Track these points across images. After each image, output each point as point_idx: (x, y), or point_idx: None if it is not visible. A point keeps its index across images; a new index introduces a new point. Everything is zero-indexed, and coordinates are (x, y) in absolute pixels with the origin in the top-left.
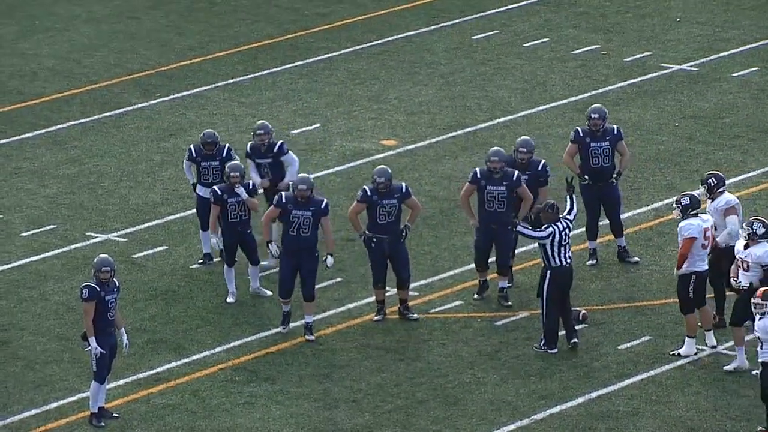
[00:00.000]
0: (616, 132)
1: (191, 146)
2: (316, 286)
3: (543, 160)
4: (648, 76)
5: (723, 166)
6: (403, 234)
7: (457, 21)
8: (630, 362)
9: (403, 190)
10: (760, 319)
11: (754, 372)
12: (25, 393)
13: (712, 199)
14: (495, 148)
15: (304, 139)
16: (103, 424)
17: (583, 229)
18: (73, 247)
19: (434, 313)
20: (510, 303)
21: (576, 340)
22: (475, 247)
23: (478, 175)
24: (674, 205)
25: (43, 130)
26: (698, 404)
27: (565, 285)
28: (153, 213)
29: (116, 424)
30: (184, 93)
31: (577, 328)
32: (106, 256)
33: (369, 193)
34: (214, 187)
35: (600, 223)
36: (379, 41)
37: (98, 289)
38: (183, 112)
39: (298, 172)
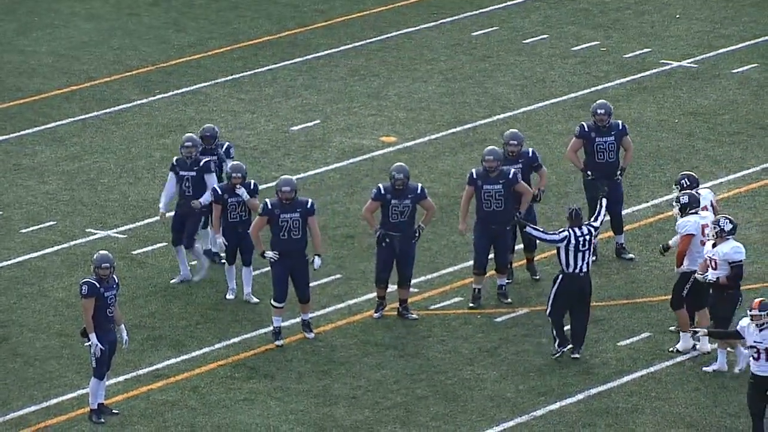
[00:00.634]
0: (621, 127)
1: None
2: (316, 283)
3: (531, 148)
4: (647, 73)
5: (722, 162)
6: (416, 235)
7: (456, 17)
8: (629, 359)
9: (418, 191)
10: (761, 331)
11: (737, 370)
12: (25, 389)
13: None
14: (490, 147)
15: (303, 136)
16: (102, 420)
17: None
18: (72, 243)
19: (434, 309)
20: (509, 300)
21: (578, 355)
22: (474, 248)
23: (475, 176)
24: (673, 203)
25: (43, 127)
26: (698, 400)
27: (578, 292)
28: (152, 209)
29: (116, 420)
30: (184, 89)
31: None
32: (105, 252)
33: (383, 192)
34: (215, 186)
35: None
36: (379, 38)
37: (98, 285)
38: (182, 108)
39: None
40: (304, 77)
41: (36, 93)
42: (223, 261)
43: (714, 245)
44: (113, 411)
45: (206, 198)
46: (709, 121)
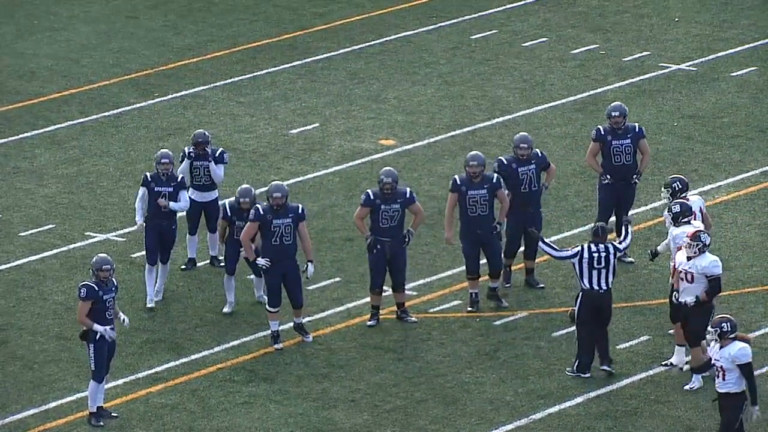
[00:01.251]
0: (637, 130)
1: (185, 148)
2: (315, 286)
3: (537, 149)
4: (647, 76)
5: (721, 165)
6: (406, 239)
7: (455, 21)
8: (629, 362)
9: (407, 196)
10: (721, 348)
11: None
12: (24, 392)
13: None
14: (473, 152)
15: (302, 139)
16: (101, 423)
17: (575, 231)
18: (71, 246)
19: (433, 312)
20: (504, 303)
21: (608, 368)
22: (463, 254)
23: (458, 182)
24: (665, 213)
25: (42, 130)
26: (697, 404)
27: (599, 310)
28: None
29: (115, 423)
30: (183, 93)
31: (575, 328)
32: (105, 255)
33: (372, 197)
34: (226, 203)
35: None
36: (378, 41)
37: (96, 288)
38: (181, 111)
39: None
40: (303, 80)
41: (35, 96)
42: (222, 264)
43: (689, 258)
44: (112, 414)
45: (179, 206)
46: (708, 124)
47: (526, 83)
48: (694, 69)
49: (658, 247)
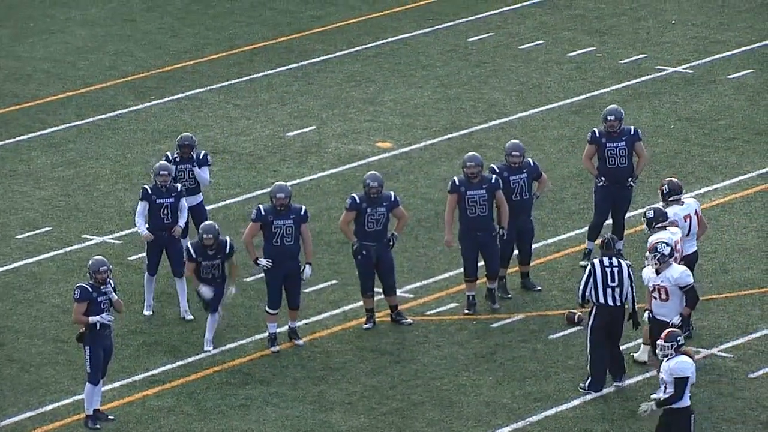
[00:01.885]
0: (633, 132)
1: (167, 153)
2: (312, 289)
3: (530, 158)
4: (643, 79)
5: (718, 168)
6: (391, 243)
7: (452, 23)
8: (626, 364)
9: (392, 199)
10: (667, 360)
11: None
12: (20, 395)
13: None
14: (470, 153)
15: (299, 142)
16: (98, 426)
17: (571, 233)
18: (68, 249)
19: (429, 315)
20: (497, 306)
21: (621, 383)
22: (462, 256)
23: (457, 183)
24: (642, 218)
25: (39, 133)
26: (694, 406)
27: (611, 325)
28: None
29: (112, 426)
30: (180, 95)
31: (572, 330)
32: (101, 257)
33: (358, 201)
34: (189, 244)
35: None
36: (374, 43)
37: (90, 290)
38: (178, 114)
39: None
40: (299, 83)
41: (32, 99)
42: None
43: (657, 272)
44: (109, 417)
45: (184, 218)
46: (704, 126)
47: (523, 86)
48: (691, 71)
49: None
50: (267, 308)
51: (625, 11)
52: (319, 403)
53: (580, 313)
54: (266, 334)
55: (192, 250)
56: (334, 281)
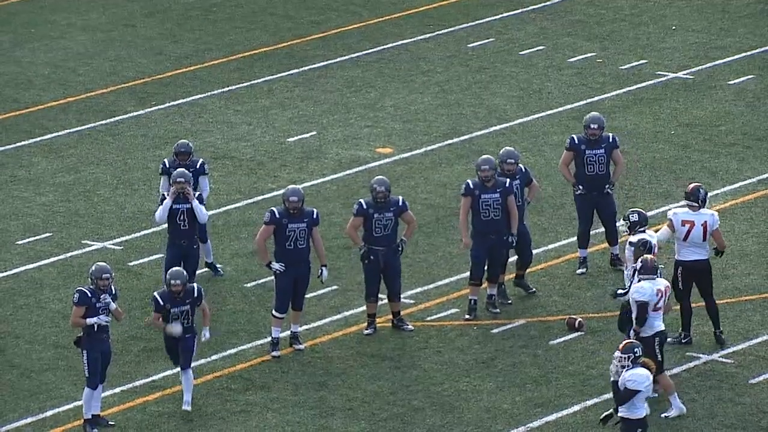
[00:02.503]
0: (611, 140)
1: (165, 159)
2: (312, 294)
3: (521, 165)
4: (643, 84)
5: (718, 173)
6: (400, 248)
7: (452, 29)
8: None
9: (400, 204)
10: (624, 371)
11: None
12: (21, 401)
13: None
14: (484, 156)
15: (299, 147)
16: (96, 430)
17: (572, 239)
18: (69, 255)
19: (430, 320)
20: (497, 310)
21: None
22: (472, 258)
23: (471, 186)
24: (625, 220)
25: (39, 138)
26: (694, 411)
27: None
28: (149, 221)
29: (112, 431)
30: (180, 101)
31: (572, 336)
32: (103, 263)
33: (364, 207)
34: (156, 294)
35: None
36: (375, 49)
37: (89, 295)
38: (179, 120)
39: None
40: (300, 88)
41: (32, 104)
42: (222, 273)
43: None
44: (109, 422)
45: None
46: (705, 132)
47: (523, 91)
48: (691, 77)
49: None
50: (274, 312)
51: (626, 17)
52: (319, 409)
53: (580, 319)
54: (266, 339)
55: (159, 299)
56: (334, 287)
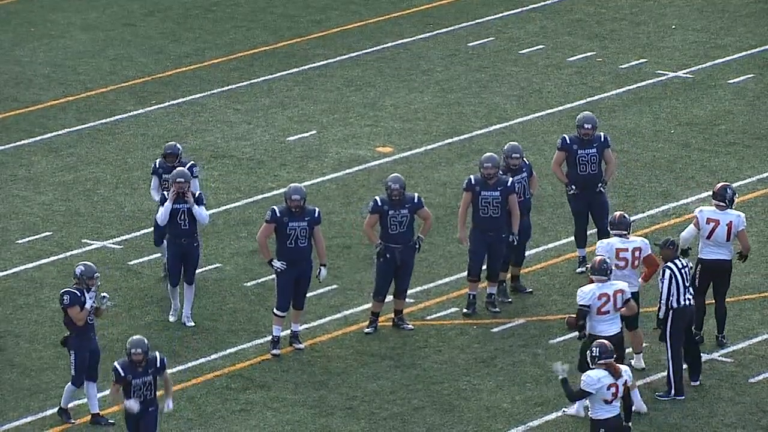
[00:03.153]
0: (603, 139)
1: (156, 160)
2: (313, 293)
3: (527, 160)
4: (643, 83)
5: (718, 173)
6: (417, 246)
7: (452, 28)
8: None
9: (415, 201)
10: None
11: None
12: (21, 400)
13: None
14: (488, 154)
15: (299, 146)
16: (73, 421)
17: (572, 238)
18: (68, 254)
19: (430, 320)
20: (497, 309)
21: (696, 383)
22: (470, 254)
23: (473, 182)
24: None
25: (39, 137)
26: (694, 411)
27: (687, 325)
28: (148, 220)
29: (113, 430)
30: (180, 100)
31: (572, 335)
32: (90, 264)
33: (380, 204)
34: (116, 365)
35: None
36: (375, 48)
37: (78, 294)
38: (179, 119)
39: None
40: (300, 88)
41: (32, 103)
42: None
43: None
44: (110, 421)
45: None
46: (705, 131)
47: (523, 90)
48: (691, 76)
49: None
50: (275, 310)
51: (626, 16)
52: (319, 408)
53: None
54: (266, 338)
55: (120, 369)
56: (334, 286)
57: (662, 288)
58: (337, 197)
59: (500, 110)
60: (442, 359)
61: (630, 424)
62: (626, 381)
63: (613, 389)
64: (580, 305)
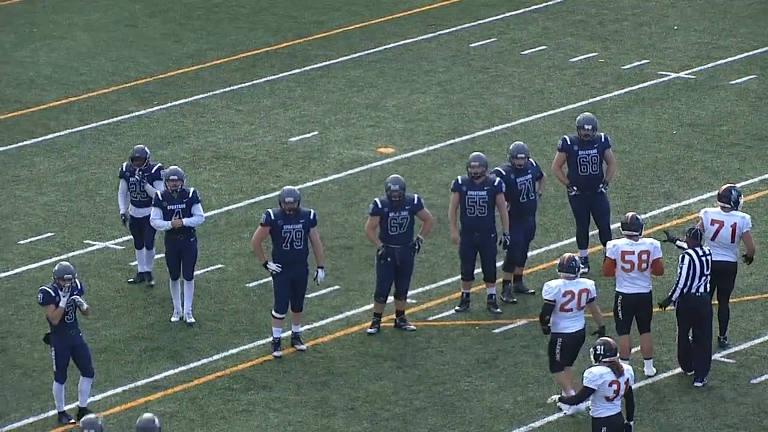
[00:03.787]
0: (603, 140)
1: (123, 163)
2: (314, 294)
3: (531, 159)
4: (645, 84)
5: (720, 173)
6: (416, 247)
7: (454, 29)
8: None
9: (415, 202)
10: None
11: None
12: (23, 401)
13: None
14: (475, 153)
15: (301, 147)
16: (73, 421)
17: (573, 239)
18: (71, 254)
19: (432, 320)
20: (499, 310)
21: (700, 384)
22: (460, 255)
23: (460, 182)
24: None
25: (41, 138)
26: (696, 412)
27: (695, 315)
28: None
29: (114, 431)
30: (182, 101)
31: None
32: (67, 263)
33: (380, 206)
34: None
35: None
36: (377, 49)
37: (52, 293)
38: (181, 119)
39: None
40: (302, 88)
41: (34, 104)
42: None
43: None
44: (71, 420)
45: (194, 221)
46: (707, 132)
47: (525, 91)
48: (693, 77)
49: None
50: (273, 312)
51: (628, 17)
52: (321, 409)
53: None
54: (269, 339)
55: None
56: (336, 287)
57: (680, 272)
58: (339, 198)
59: (502, 111)
60: (444, 360)
61: (632, 422)
62: (628, 379)
63: (614, 386)
64: (546, 300)
